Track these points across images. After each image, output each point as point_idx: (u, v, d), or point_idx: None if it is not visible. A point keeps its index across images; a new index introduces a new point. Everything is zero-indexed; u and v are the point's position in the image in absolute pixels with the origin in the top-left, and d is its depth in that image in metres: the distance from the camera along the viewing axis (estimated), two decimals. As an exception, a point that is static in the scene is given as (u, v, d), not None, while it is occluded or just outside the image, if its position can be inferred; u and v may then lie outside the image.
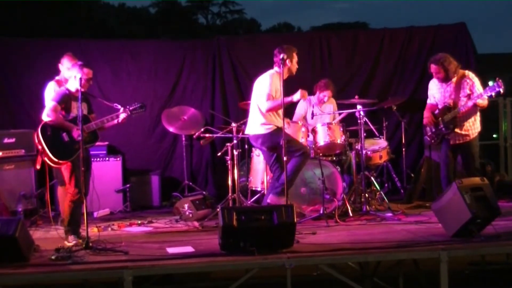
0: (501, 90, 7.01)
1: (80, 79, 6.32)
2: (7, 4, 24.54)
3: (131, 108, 6.86)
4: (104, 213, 8.43)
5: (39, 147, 6.44)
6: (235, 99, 9.70)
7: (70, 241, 6.41)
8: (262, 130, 7.10)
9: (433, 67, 7.49)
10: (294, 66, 7.16)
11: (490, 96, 7.15)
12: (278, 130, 6.94)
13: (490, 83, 7.08)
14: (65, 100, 6.54)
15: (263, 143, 7.13)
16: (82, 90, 6.46)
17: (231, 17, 41.69)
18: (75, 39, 12.21)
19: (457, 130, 7.35)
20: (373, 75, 10.15)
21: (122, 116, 6.79)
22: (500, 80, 6.99)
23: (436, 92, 7.61)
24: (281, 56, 6.83)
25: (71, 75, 6.64)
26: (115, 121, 6.79)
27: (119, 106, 6.84)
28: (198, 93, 9.93)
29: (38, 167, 6.82)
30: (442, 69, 7.39)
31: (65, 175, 6.58)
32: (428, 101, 7.75)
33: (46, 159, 6.44)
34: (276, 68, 7.10)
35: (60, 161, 6.43)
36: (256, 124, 7.16)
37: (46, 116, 6.49)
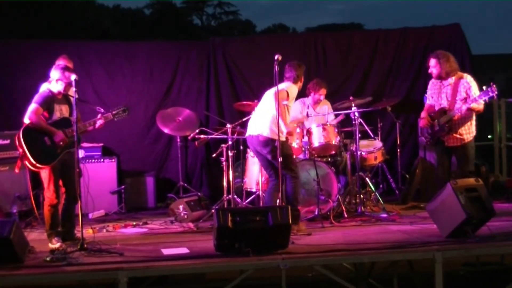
0: (495, 95, 7.02)
1: (75, 80, 6.29)
2: (1, 4, 24.48)
3: (113, 112, 6.82)
4: (99, 214, 8.42)
5: (20, 150, 6.36)
6: (230, 100, 9.69)
7: (55, 243, 6.37)
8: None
9: (430, 60, 7.49)
10: (302, 82, 7.30)
11: (484, 101, 7.15)
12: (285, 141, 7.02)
13: (484, 88, 7.08)
14: (47, 103, 6.48)
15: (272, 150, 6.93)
16: (64, 93, 6.53)
17: (226, 18, 41.72)
18: (70, 40, 12.24)
19: (452, 133, 7.35)
20: (367, 76, 10.16)
21: (99, 122, 6.72)
22: (494, 85, 6.99)
23: (434, 92, 7.60)
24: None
25: (53, 77, 6.57)
26: (92, 127, 6.72)
27: (102, 110, 6.81)
28: (193, 94, 9.91)
29: (16, 171, 6.73)
30: (437, 64, 7.38)
31: (44, 179, 6.50)
32: (427, 102, 7.72)
33: (26, 162, 6.36)
34: (287, 83, 7.09)
35: (41, 166, 6.36)
36: (273, 128, 6.93)
37: (27, 119, 6.41)
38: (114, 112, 6.82)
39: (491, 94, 6.99)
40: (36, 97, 6.53)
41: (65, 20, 27.83)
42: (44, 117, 6.48)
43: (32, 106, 6.43)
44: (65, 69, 6.55)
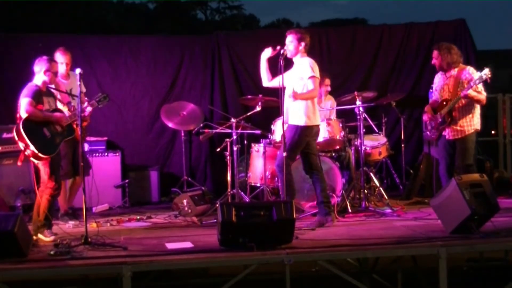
0: (488, 79, 6.92)
1: (80, 74, 6.35)
2: (5, 1, 24.47)
3: (97, 100, 7.06)
4: (103, 208, 8.44)
5: (21, 144, 6.37)
6: (234, 95, 9.70)
7: (48, 236, 6.39)
8: None
9: (433, 51, 7.44)
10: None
11: (479, 80, 7.04)
12: None
13: (479, 73, 7.02)
14: (37, 96, 6.49)
15: None
16: (49, 84, 6.62)
17: (230, 13, 41.57)
18: (74, 35, 12.17)
19: (452, 125, 7.26)
20: (372, 71, 10.15)
21: (88, 109, 7.02)
22: (487, 69, 6.90)
23: (438, 85, 7.53)
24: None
25: (40, 69, 6.58)
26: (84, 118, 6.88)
27: (85, 98, 7.05)
28: (197, 88, 9.92)
29: (19, 164, 6.74)
30: (439, 56, 7.30)
31: (44, 170, 6.50)
32: (433, 96, 7.66)
33: (28, 154, 6.37)
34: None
35: (45, 156, 6.37)
36: None
37: (24, 113, 6.42)
38: (97, 100, 7.06)
39: (484, 77, 6.91)
40: (25, 92, 6.53)
41: (68, 14, 27.81)
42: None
43: (25, 100, 6.44)
44: (51, 60, 6.61)
